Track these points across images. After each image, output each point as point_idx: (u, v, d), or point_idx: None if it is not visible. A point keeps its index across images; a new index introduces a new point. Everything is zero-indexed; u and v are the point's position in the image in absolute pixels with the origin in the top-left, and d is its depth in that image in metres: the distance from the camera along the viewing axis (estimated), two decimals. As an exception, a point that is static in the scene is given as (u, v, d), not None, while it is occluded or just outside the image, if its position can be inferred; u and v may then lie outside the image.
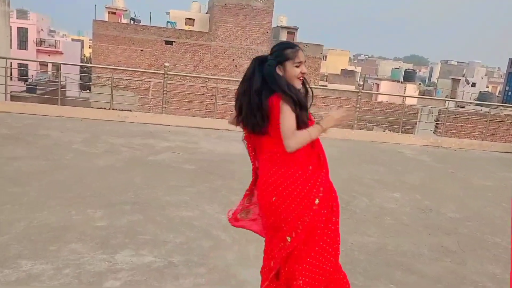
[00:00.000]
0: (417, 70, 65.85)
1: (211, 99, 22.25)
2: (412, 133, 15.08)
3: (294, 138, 1.94)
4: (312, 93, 2.20)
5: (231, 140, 7.15)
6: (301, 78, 2.11)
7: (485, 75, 48.55)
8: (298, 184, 2.03)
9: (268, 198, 2.06)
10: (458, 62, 59.02)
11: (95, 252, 2.96)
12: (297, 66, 2.08)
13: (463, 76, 45.41)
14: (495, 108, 20.49)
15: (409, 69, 50.95)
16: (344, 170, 6.10)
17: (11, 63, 9.47)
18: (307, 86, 2.18)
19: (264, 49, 30.25)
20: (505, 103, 28.13)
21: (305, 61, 2.12)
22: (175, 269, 2.85)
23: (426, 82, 61.94)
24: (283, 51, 2.08)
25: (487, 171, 7.04)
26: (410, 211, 4.54)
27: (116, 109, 9.92)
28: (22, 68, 26.53)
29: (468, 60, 57.64)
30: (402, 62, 76.92)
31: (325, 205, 2.08)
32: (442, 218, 4.44)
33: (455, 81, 44.28)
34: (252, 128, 2.09)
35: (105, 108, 10.06)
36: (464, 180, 6.20)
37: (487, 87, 46.59)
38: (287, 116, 1.96)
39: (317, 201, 2.04)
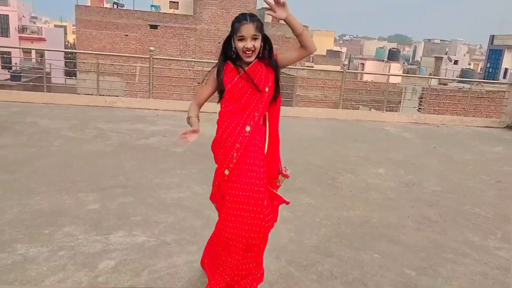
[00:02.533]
0: (401, 49, 65.99)
1: (198, 83, 22.11)
2: (397, 111, 15.24)
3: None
4: (273, 64, 2.17)
5: (219, 123, 7.16)
6: (247, 52, 2.06)
7: (467, 53, 48.97)
8: None
9: None
10: (441, 40, 59.31)
11: (88, 234, 2.99)
12: (239, 40, 2.05)
13: (446, 54, 45.71)
14: (476, 85, 20.79)
15: (393, 48, 51.14)
16: (329, 148, 6.20)
17: (-7, 51, 9.28)
18: (264, 61, 2.14)
19: (250, 31, 29.89)
20: (487, 79, 28.49)
21: (254, 35, 2.04)
22: (168, 247, 2.91)
23: (410, 61, 62.20)
24: (232, 24, 2.09)
25: (468, 146, 7.20)
26: (394, 186, 4.65)
27: (103, 95, 9.81)
28: (5, 56, 25.87)
29: (451, 38, 57.98)
30: (386, 41, 77.05)
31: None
32: (424, 191, 4.56)
33: (438, 59, 44.54)
34: None
35: (91, 94, 9.93)
36: (445, 154, 6.34)
37: (469, 64, 46.98)
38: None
39: None
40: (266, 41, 2.15)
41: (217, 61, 2.23)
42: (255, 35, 2.05)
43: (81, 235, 2.98)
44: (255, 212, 2.12)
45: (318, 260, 2.89)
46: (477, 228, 3.67)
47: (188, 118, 2.22)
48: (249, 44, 2.04)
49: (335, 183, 4.58)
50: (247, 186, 2.13)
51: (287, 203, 2.39)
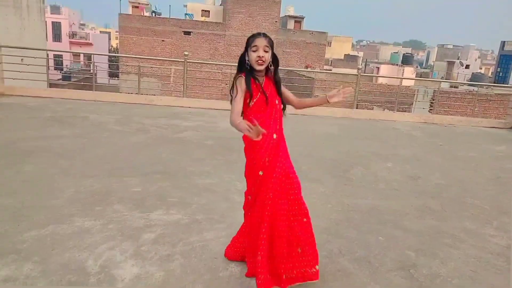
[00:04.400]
0: (415, 54, 64.44)
1: (226, 84, 22.32)
2: (409, 112, 15.03)
3: (231, 116, 2.16)
4: (278, 78, 2.31)
5: (244, 120, 7.33)
6: (259, 61, 2.20)
7: (479, 58, 47.43)
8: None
9: None
10: (454, 45, 57.51)
11: (133, 212, 3.23)
12: (253, 51, 2.20)
13: (458, 59, 44.39)
14: (486, 88, 20.18)
15: (406, 53, 50.09)
16: (343, 144, 6.28)
17: (47, 54, 9.79)
18: (271, 71, 2.28)
19: (273, 37, 29.99)
20: (497, 83, 27.56)
21: (266, 47, 2.18)
22: (199, 225, 3.11)
23: (424, 65, 60.65)
24: (247, 40, 2.26)
25: (473, 144, 7.12)
26: (400, 179, 4.71)
27: (143, 94, 10.15)
28: (57, 59, 26.91)
29: (464, 43, 56.14)
30: (401, 46, 75.40)
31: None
32: (428, 184, 4.60)
33: (450, 64, 43.33)
34: None
35: (132, 93, 10.29)
36: (451, 152, 6.30)
37: (480, 68, 45.49)
38: (234, 95, 2.25)
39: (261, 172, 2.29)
40: (274, 59, 2.28)
41: (237, 73, 2.32)
42: (267, 46, 2.21)
43: (126, 212, 3.22)
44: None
45: (329, 240, 3.03)
46: (475, 217, 3.71)
47: (238, 124, 2.07)
48: (261, 53, 2.20)
49: (347, 175, 4.68)
50: (281, 175, 2.27)
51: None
